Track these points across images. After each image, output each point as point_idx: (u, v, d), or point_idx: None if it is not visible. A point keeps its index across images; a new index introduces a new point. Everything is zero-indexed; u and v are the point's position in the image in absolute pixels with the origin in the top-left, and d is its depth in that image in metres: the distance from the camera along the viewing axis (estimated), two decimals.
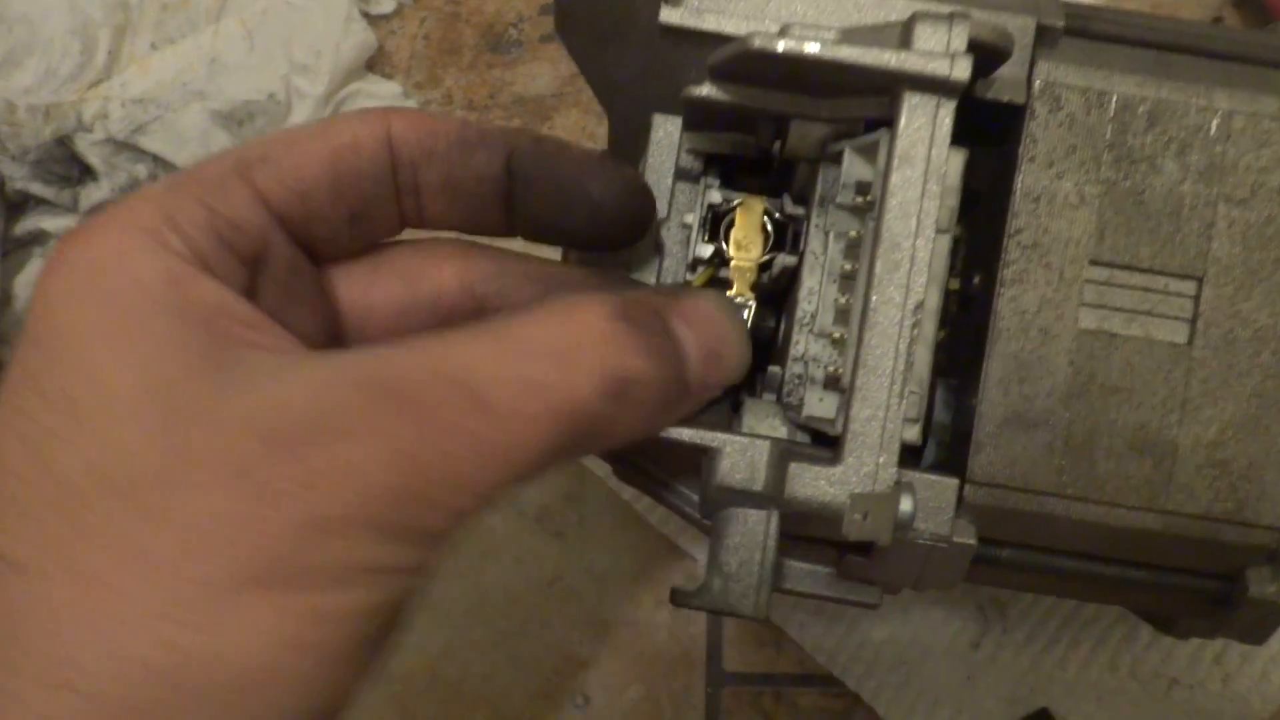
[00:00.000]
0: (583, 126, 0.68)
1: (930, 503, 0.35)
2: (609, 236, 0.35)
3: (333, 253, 0.33)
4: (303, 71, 0.70)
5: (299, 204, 0.31)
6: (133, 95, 0.65)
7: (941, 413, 0.40)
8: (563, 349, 0.29)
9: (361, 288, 0.34)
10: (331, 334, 0.33)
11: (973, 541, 0.34)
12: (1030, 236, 0.36)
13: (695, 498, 0.40)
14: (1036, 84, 0.35)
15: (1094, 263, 0.35)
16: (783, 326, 0.39)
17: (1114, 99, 0.35)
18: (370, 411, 0.27)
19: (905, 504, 0.31)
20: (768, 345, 0.40)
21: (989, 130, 0.37)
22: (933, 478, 0.35)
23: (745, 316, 0.38)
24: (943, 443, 0.38)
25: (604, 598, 0.64)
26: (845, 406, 0.31)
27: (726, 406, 0.38)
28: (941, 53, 0.30)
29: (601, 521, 0.65)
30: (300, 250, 0.32)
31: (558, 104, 0.67)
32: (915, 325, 0.31)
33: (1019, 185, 0.35)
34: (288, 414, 0.26)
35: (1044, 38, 0.35)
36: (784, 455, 0.33)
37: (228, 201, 0.29)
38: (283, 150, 0.31)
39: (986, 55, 0.32)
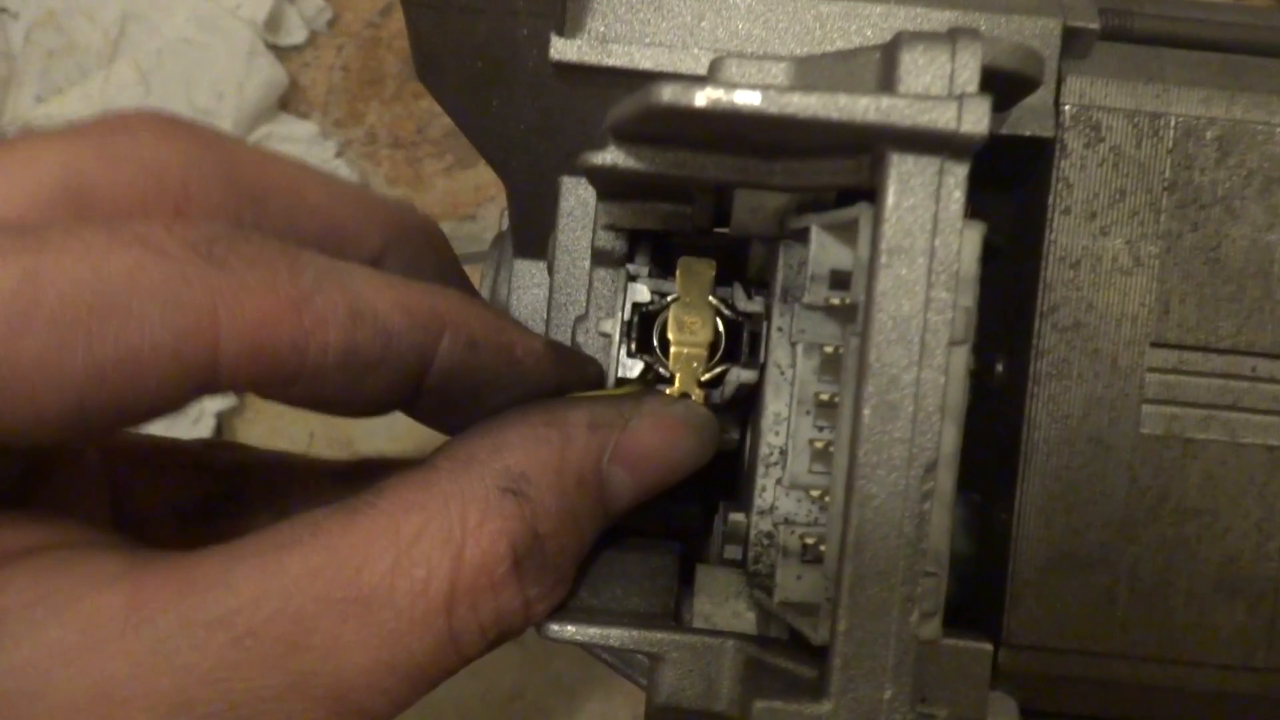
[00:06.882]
0: None
1: (955, 676, 0.27)
2: None
3: None
4: (205, 116, 0.65)
5: None
6: None
7: (962, 540, 0.31)
8: (392, 582, 0.22)
9: None
10: None
11: None
12: (1070, 315, 0.28)
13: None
14: (1067, 109, 0.28)
15: (1157, 345, 0.28)
16: (747, 449, 0.30)
17: (1172, 123, 0.28)
18: None
19: None
20: (729, 462, 0.30)
21: (1001, 170, 0.27)
22: (958, 644, 0.27)
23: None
24: (965, 579, 0.30)
25: (575, 716, 0.57)
26: (831, 612, 0.22)
27: (671, 575, 0.28)
28: (942, 93, 0.21)
29: None
30: None
31: None
32: (927, 495, 0.21)
33: (1050, 247, 0.27)
34: None
35: (1073, 45, 0.27)
36: (751, 669, 0.23)
37: None
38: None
39: (1006, 88, 0.22)
